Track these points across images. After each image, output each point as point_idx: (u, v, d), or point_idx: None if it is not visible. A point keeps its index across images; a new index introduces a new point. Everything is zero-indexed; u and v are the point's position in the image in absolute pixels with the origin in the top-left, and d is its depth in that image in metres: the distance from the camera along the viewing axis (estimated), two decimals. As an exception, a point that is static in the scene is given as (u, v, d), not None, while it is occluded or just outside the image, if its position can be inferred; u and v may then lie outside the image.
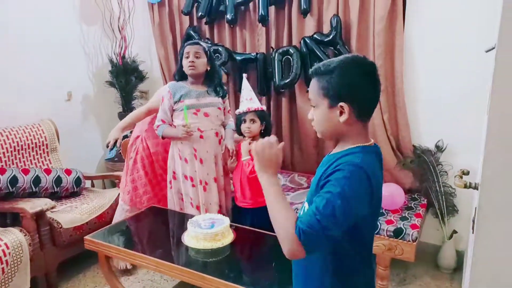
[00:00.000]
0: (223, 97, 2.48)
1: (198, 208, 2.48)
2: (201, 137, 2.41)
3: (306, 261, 1.02)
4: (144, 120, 2.75)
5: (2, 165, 2.72)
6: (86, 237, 2.15)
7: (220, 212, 2.46)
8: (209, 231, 2.00)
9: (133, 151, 2.72)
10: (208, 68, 2.42)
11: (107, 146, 2.61)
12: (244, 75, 2.55)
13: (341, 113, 1.01)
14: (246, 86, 2.46)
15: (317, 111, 1.07)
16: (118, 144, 2.62)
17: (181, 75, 2.44)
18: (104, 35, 3.73)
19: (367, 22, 2.71)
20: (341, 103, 1.01)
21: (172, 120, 2.45)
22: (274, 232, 0.98)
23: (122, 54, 3.69)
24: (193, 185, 2.47)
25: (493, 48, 1.34)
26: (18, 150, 2.85)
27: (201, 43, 2.46)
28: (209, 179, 2.47)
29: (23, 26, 3.09)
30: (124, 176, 2.73)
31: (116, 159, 3.57)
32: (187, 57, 2.36)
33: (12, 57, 3.01)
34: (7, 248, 2.22)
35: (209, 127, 2.43)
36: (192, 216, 2.39)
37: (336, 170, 0.95)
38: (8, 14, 2.98)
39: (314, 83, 1.06)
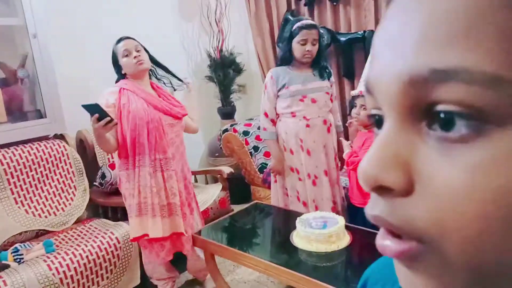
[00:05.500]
0: (329, 78, 2.22)
1: (305, 204, 2.26)
2: (307, 126, 2.17)
3: None
4: None
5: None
6: (193, 234, 2.07)
7: (334, 210, 2.21)
8: (321, 231, 1.75)
9: None
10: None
11: None
12: None
13: None
14: None
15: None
16: None
17: (284, 60, 2.19)
18: (202, 30, 3.71)
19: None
20: None
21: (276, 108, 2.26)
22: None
23: (219, 48, 3.63)
24: (299, 179, 2.26)
25: None
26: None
27: (317, 25, 2.18)
28: (318, 173, 2.22)
29: (123, 27, 3.15)
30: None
31: (217, 154, 3.54)
32: (303, 44, 2.08)
33: (108, 59, 3.09)
34: (118, 242, 2.25)
35: (316, 115, 2.18)
36: (298, 213, 2.18)
37: None
38: (107, 16, 2.98)
39: None
